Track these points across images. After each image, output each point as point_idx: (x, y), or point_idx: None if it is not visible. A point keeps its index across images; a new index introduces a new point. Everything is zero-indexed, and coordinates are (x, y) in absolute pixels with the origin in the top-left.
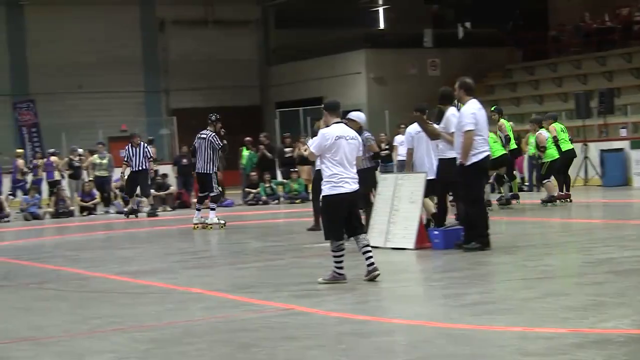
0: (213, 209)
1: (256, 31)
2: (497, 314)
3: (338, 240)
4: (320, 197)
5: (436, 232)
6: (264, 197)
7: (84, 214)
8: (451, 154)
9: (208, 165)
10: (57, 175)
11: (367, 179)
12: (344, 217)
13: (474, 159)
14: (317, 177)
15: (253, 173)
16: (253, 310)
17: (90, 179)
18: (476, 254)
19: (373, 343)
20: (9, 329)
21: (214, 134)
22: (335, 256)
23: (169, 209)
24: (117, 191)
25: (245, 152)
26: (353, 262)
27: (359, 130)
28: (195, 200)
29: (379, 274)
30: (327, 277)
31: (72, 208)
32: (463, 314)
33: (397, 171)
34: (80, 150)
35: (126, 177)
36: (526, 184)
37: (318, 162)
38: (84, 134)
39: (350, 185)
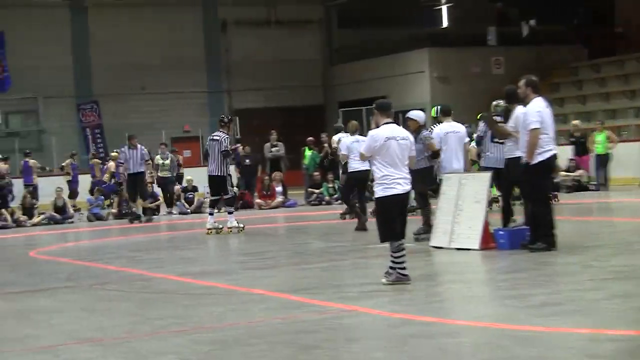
0: (231, 213)
1: (319, 31)
2: (564, 315)
3: (396, 241)
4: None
5: (501, 232)
6: (327, 197)
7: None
8: (518, 153)
9: (221, 167)
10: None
11: (425, 179)
12: (398, 217)
13: (540, 158)
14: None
15: (316, 173)
16: (315, 311)
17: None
18: (542, 254)
19: (437, 345)
20: (74, 330)
21: (227, 136)
22: (395, 257)
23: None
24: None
25: (308, 152)
26: (416, 262)
27: (419, 129)
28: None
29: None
30: (390, 278)
31: (134, 209)
32: (529, 315)
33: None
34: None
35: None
36: (593, 183)
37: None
38: (147, 134)
39: (402, 186)
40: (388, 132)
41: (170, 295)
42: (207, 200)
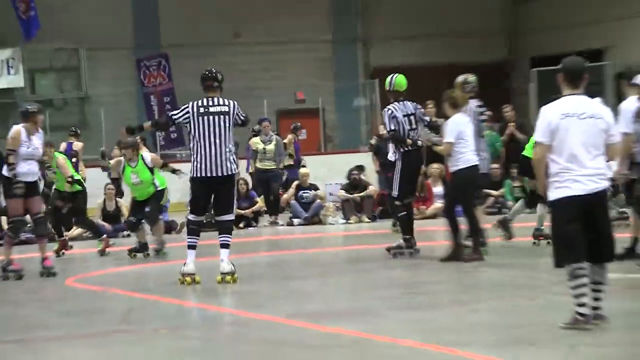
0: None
1: None
2: None
3: (575, 263)
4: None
5: None
6: (510, 202)
7: (241, 225)
8: None
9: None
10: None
11: None
12: (581, 231)
13: None
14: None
15: (494, 166)
16: None
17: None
18: None
19: None
20: None
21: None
22: (573, 288)
23: (367, 219)
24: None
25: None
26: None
27: None
28: None
29: (601, 324)
30: (569, 320)
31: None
32: None
33: None
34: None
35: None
36: None
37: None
38: (243, 105)
39: (583, 185)
40: (567, 107)
41: (277, 347)
42: (330, 204)
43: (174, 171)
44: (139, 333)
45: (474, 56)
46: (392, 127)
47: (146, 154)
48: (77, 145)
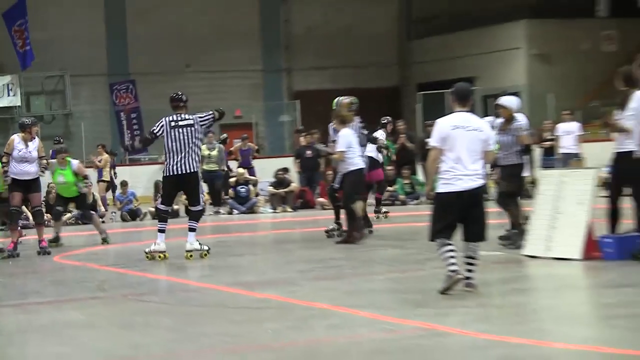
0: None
1: (394, 0)
2: None
3: (444, 239)
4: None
5: (608, 240)
6: (401, 196)
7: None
8: (630, 147)
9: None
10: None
11: (514, 177)
12: (456, 218)
13: None
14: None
15: (389, 167)
16: (387, 329)
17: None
18: None
19: None
20: (106, 348)
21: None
22: (442, 253)
23: (290, 209)
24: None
25: None
26: (506, 273)
27: (511, 118)
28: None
29: (472, 291)
30: (445, 285)
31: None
32: None
33: (561, 166)
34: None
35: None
36: None
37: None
38: None
39: (465, 182)
40: (456, 120)
41: (217, 309)
42: (261, 198)
43: (85, 179)
44: (111, 298)
45: (374, 82)
46: (333, 139)
47: (74, 161)
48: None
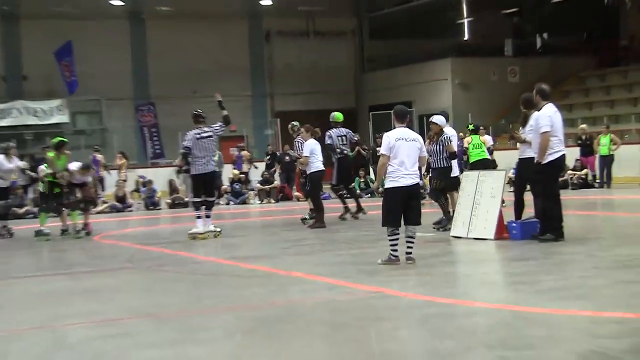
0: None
1: (352, 41)
2: (571, 299)
3: (392, 227)
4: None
5: (514, 224)
6: (358, 191)
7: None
8: (529, 154)
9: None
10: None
11: (444, 176)
12: (401, 208)
13: (550, 158)
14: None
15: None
16: (347, 293)
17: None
18: (551, 245)
19: (456, 324)
20: (133, 306)
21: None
22: (390, 240)
23: (273, 201)
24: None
25: None
26: (437, 250)
27: (441, 132)
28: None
29: (411, 263)
30: (384, 259)
31: (186, 199)
32: (539, 299)
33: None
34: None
35: None
36: (597, 181)
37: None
38: None
39: (406, 180)
40: (399, 134)
41: (218, 277)
42: (251, 192)
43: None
44: (138, 268)
45: (336, 105)
46: (328, 142)
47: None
48: (100, 157)
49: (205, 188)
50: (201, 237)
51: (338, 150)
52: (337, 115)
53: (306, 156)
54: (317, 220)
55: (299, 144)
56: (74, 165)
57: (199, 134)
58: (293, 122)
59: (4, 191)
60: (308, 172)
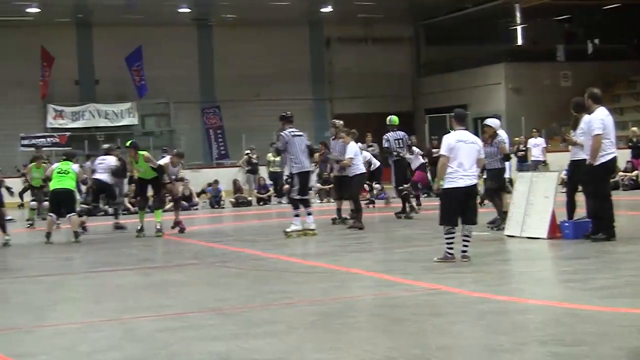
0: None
1: (409, 47)
2: (622, 297)
3: (449, 226)
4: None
5: (567, 224)
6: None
7: (260, 204)
8: (581, 156)
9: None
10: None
11: (498, 177)
12: (458, 207)
13: (602, 160)
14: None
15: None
16: (405, 289)
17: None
18: (603, 244)
19: (510, 320)
20: (198, 301)
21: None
22: (446, 238)
23: (332, 200)
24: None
25: None
26: (492, 248)
27: (494, 134)
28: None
29: (466, 261)
30: (440, 256)
31: (250, 199)
32: (590, 297)
33: (532, 170)
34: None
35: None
36: None
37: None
38: (260, 135)
39: (465, 181)
40: (459, 136)
41: (280, 273)
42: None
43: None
44: (203, 264)
45: (393, 108)
46: (385, 145)
47: (74, 165)
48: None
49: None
50: (299, 234)
51: (395, 152)
52: (394, 119)
53: (350, 158)
54: (357, 220)
55: (340, 146)
56: (165, 159)
57: (292, 132)
58: (336, 120)
59: (108, 187)
60: (350, 174)
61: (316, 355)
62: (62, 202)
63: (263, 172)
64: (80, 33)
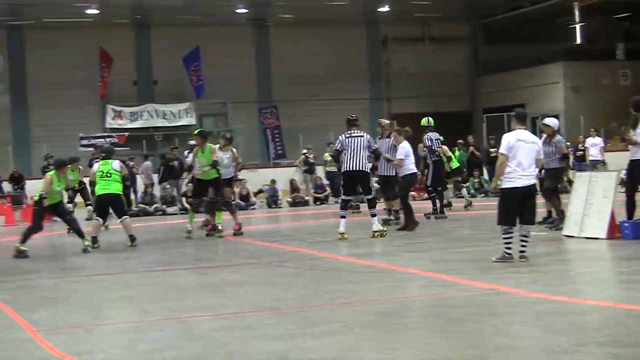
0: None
1: (466, 47)
2: None
3: (507, 225)
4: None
5: (626, 224)
6: (472, 191)
7: (317, 203)
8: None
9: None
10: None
11: (557, 176)
12: (517, 207)
13: None
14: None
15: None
16: (462, 289)
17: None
18: None
19: (568, 321)
20: (256, 300)
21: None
22: (504, 238)
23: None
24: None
25: (457, 152)
26: (550, 248)
27: (553, 134)
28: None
29: (524, 261)
30: (498, 256)
31: (307, 198)
32: None
33: (590, 169)
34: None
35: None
36: None
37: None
38: (317, 135)
39: (523, 181)
40: (519, 135)
41: (337, 273)
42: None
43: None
44: (260, 264)
45: (451, 107)
46: (429, 144)
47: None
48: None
49: (361, 186)
50: (339, 237)
51: (436, 152)
52: (431, 120)
53: (401, 159)
54: (411, 220)
55: (390, 145)
56: (219, 152)
57: (349, 133)
58: (382, 120)
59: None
60: (401, 174)
61: (373, 355)
62: (111, 207)
63: (320, 171)
64: (138, 34)
